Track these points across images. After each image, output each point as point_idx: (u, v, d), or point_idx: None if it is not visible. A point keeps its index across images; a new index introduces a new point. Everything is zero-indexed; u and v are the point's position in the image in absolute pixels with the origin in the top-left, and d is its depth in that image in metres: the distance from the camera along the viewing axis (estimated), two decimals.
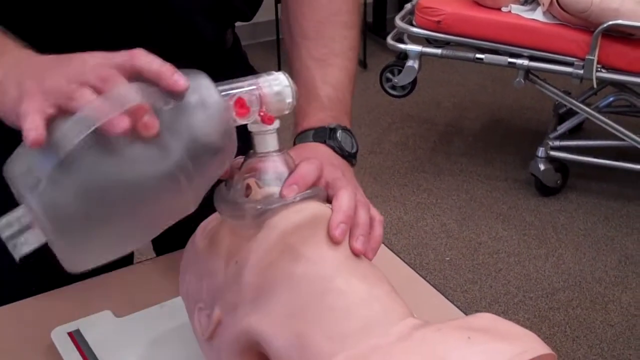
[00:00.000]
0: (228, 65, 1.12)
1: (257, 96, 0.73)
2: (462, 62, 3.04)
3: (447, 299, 1.02)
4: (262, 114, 0.73)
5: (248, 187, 0.80)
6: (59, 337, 0.91)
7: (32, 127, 0.63)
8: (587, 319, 2.40)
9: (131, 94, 0.65)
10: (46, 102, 0.65)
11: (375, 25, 4.34)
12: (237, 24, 1.14)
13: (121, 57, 0.67)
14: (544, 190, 2.99)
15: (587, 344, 2.30)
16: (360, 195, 0.82)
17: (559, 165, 2.96)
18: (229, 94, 0.72)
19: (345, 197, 0.77)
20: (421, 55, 2.92)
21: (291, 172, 0.76)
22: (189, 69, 0.70)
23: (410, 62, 2.94)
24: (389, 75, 3.07)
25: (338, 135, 0.92)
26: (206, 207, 0.88)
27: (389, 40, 2.95)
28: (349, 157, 0.92)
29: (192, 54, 1.05)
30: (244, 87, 0.73)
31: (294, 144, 0.94)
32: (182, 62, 1.04)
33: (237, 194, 0.76)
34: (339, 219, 0.74)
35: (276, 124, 0.75)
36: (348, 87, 1.01)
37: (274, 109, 0.74)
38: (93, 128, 0.63)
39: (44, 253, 1.11)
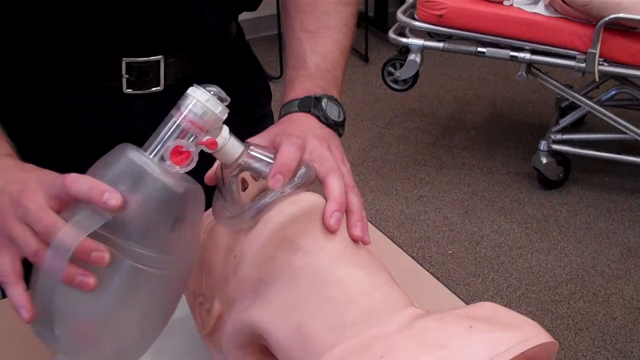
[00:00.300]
0: (232, 55, 1.13)
1: (188, 129, 0.69)
2: (464, 56, 3.04)
3: (450, 290, 1.02)
4: (203, 143, 0.71)
5: (244, 181, 0.80)
6: None
7: (20, 306, 0.70)
8: (590, 311, 2.40)
9: (68, 239, 0.66)
10: (15, 253, 0.71)
11: (377, 19, 4.34)
12: (240, 17, 1.14)
13: (57, 190, 0.69)
14: (546, 183, 2.99)
15: (589, 336, 2.30)
16: (347, 175, 0.82)
17: (561, 159, 2.96)
18: (160, 150, 0.69)
19: (335, 183, 0.77)
20: (423, 49, 2.91)
21: (273, 154, 0.76)
22: (116, 147, 0.70)
23: (412, 56, 2.94)
24: (391, 69, 3.06)
25: (323, 104, 0.90)
26: (205, 202, 0.88)
27: (391, 34, 2.95)
28: (335, 126, 0.91)
29: (198, 45, 1.05)
30: (170, 132, 0.69)
31: (280, 114, 0.92)
32: (187, 53, 1.05)
33: (234, 193, 0.76)
34: (333, 207, 0.74)
35: (224, 133, 0.72)
36: (340, 61, 1.00)
37: (210, 127, 0.71)
38: (56, 286, 0.68)
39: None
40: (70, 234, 0.66)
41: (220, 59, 1.10)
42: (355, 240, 0.75)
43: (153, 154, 0.69)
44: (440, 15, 2.81)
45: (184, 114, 0.69)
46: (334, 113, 0.91)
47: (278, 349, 0.70)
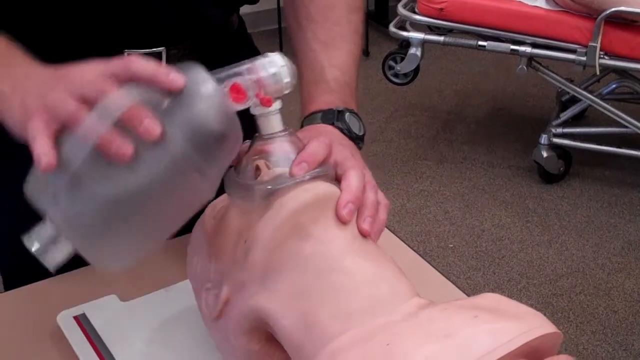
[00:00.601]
0: (234, 47, 1.13)
1: (253, 80, 0.73)
2: (465, 50, 3.04)
3: (452, 282, 1.02)
4: (260, 96, 0.74)
5: (257, 168, 0.80)
6: (65, 321, 0.92)
7: (42, 152, 0.66)
8: (591, 305, 2.40)
9: (121, 101, 0.65)
10: (50, 120, 0.67)
11: (377, 13, 4.33)
12: (240, 11, 1.15)
13: (116, 65, 0.68)
14: (547, 177, 2.99)
15: (590, 330, 2.31)
16: (369, 177, 0.82)
17: (562, 153, 2.96)
18: (224, 81, 0.72)
19: (354, 177, 0.78)
20: (424, 43, 2.91)
21: (299, 151, 0.76)
22: (183, 63, 0.70)
23: (412, 50, 2.93)
24: (392, 63, 3.06)
25: (346, 117, 0.91)
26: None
27: (392, 28, 2.95)
28: (357, 140, 0.92)
29: (199, 37, 1.05)
30: (239, 72, 0.73)
31: (302, 126, 0.93)
32: (189, 45, 1.05)
33: (247, 176, 0.77)
34: (347, 198, 0.75)
35: (277, 104, 0.76)
36: (354, 71, 1.01)
37: (272, 90, 0.74)
38: (90, 148, 0.65)
39: None
40: (123, 97, 0.65)
41: (222, 50, 1.10)
42: (362, 234, 0.75)
43: (217, 81, 0.70)
44: (441, 9, 2.81)
45: (258, 68, 0.73)
46: (355, 127, 0.92)
47: (284, 336, 0.70)
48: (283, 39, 3.76)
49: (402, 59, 3.00)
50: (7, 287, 1.03)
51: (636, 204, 2.88)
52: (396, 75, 3.07)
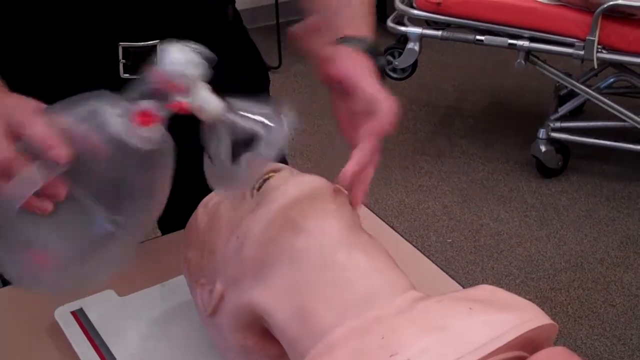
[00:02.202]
0: (230, 40, 1.13)
1: (160, 90, 0.68)
2: (463, 45, 3.03)
3: (450, 276, 1.02)
4: (174, 107, 0.69)
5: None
6: (63, 316, 0.92)
7: None
8: (589, 299, 2.40)
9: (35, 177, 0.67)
10: None
11: (375, 7, 4.31)
12: (238, 7, 1.15)
13: (13, 124, 0.69)
14: (545, 171, 2.99)
15: (588, 324, 2.31)
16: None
17: (560, 147, 2.95)
18: (126, 111, 0.68)
19: (367, 146, 0.81)
20: (421, 38, 2.91)
21: (254, 108, 0.74)
22: (95, 92, 0.69)
23: (410, 45, 2.93)
24: (390, 58, 3.06)
25: (378, 60, 0.92)
26: (207, 186, 0.88)
27: (389, 23, 2.94)
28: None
29: (195, 30, 1.05)
30: (138, 93, 0.68)
31: (339, 42, 0.91)
32: (186, 37, 1.04)
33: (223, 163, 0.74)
34: (353, 168, 0.78)
35: (201, 91, 0.70)
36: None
37: (186, 87, 0.69)
38: (16, 209, 0.66)
39: None
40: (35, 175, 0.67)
41: (218, 43, 1.09)
42: (352, 206, 0.78)
43: (121, 109, 0.68)
44: (439, 3, 2.80)
45: (161, 73, 0.68)
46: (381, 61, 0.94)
47: (279, 330, 0.70)
48: (281, 35, 3.75)
49: (400, 54, 3.00)
50: (5, 282, 1.03)
51: (634, 198, 2.88)
52: (394, 70, 3.07)
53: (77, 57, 1.00)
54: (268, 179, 0.77)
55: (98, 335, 0.89)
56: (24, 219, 0.68)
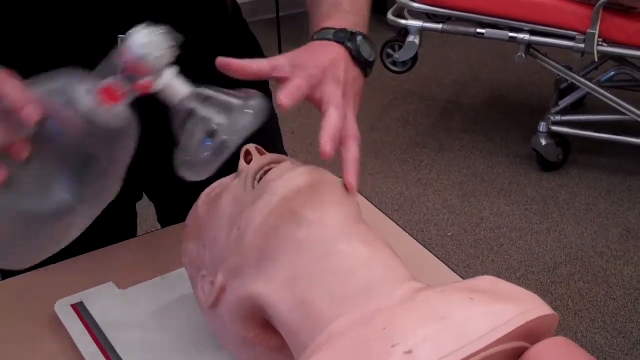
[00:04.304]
0: (230, 33, 1.12)
1: (124, 70, 0.70)
2: (463, 39, 3.03)
3: (451, 269, 1.02)
4: (138, 86, 0.71)
5: (248, 153, 0.80)
6: (63, 309, 0.92)
7: None
8: (590, 292, 2.41)
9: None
10: None
11: (375, 1, 4.30)
12: (238, 0, 1.14)
13: None
14: (546, 165, 2.98)
15: (589, 317, 2.31)
16: (351, 117, 0.83)
17: (561, 140, 2.95)
18: (93, 87, 0.70)
19: (332, 115, 0.79)
20: (422, 31, 2.90)
21: (223, 94, 0.75)
22: (61, 72, 0.71)
23: (411, 38, 2.93)
24: (390, 51, 3.05)
25: (358, 40, 0.89)
26: (206, 179, 0.88)
27: (390, 16, 2.94)
28: (365, 66, 0.91)
29: (195, 21, 1.05)
30: (110, 69, 0.71)
31: (312, 39, 0.91)
32: (185, 30, 1.04)
33: (192, 148, 0.75)
34: (328, 134, 0.77)
35: (167, 75, 0.73)
36: (367, 6, 1.00)
37: (152, 69, 0.71)
38: None
39: None
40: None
41: (218, 36, 1.10)
42: (347, 188, 0.77)
43: (89, 86, 0.70)
44: None
45: (123, 56, 0.70)
46: (366, 52, 0.90)
47: (280, 321, 0.70)
48: (281, 28, 3.74)
49: (401, 47, 2.99)
50: (5, 275, 1.03)
51: (635, 191, 2.88)
52: (394, 63, 3.06)
53: (76, 49, 1.00)
54: (269, 170, 0.77)
55: (98, 328, 0.89)
56: None
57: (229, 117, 0.73)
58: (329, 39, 0.88)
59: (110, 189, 0.75)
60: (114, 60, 0.70)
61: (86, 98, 0.69)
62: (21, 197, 0.71)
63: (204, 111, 0.74)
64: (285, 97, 0.77)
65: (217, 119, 0.73)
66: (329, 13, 0.94)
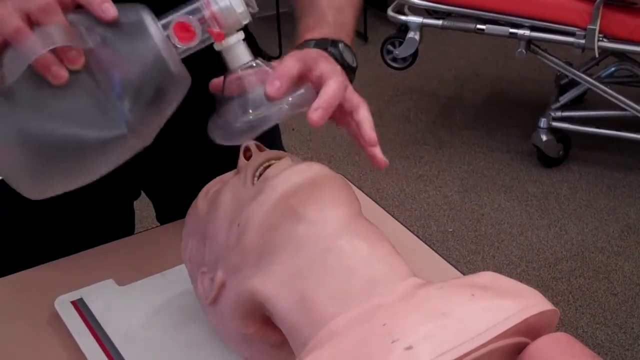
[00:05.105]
0: None
1: (203, 15, 0.72)
2: (463, 35, 3.03)
3: (452, 265, 1.02)
4: (211, 32, 0.72)
5: (247, 150, 0.80)
6: (63, 305, 0.92)
7: None
8: (590, 288, 2.40)
9: (58, 34, 0.66)
10: None
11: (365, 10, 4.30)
12: None
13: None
14: (546, 161, 2.98)
15: (590, 312, 2.31)
16: (351, 90, 0.82)
17: (561, 136, 2.95)
18: (170, 21, 0.71)
19: (332, 85, 0.78)
20: (422, 27, 2.90)
21: None
22: (133, 2, 0.71)
23: (411, 34, 2.92)
24: (390, 47, 3.05)
25: (340, 47, 0.90)
26: (208, 173, 0.88)
27: (390, 12, 2.94)
28: (349, 70, 0.90)
29: None
30: (189, 11, 0.72)
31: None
32: None
33: (230, 115, 0.76)
34: (318, 103, 0.76)
35: (238, 36, 0.75)
36: (350, 11, 0.99)
37: (227, 24, 0.73)
38: (25, 67, 0.65)
39: (44, 225, 1.11)
40: (61, 30, 0.66)
41: None
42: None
43: (163, 21, 0.71)
44: None
45: (208, 2, 0.71)
46: (349, 58, 0.91)
47: (281, 318, 0.70)
48: (281, 25, 3.74)
49: (401, 44, 2.99)
50: (4, 272, 1.03)
51: (635, 187, 2.87)
52: (395, 59, 3.06)
53: None
54: (268, 167, 0.77)
55: (98, 324, 0.89)
56: (31, 83, 0.67)
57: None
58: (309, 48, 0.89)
59: (153, 129, 0.73)
60: (195, 3, 0.72)
61: (159, 28, 0.69)
62: (76, 118, 0.69)
63: (253, 82, 0.75)
64: (272, 84, 0.76)
65: (260, 95, 0.75)
66: (313, 26, 0.94)
